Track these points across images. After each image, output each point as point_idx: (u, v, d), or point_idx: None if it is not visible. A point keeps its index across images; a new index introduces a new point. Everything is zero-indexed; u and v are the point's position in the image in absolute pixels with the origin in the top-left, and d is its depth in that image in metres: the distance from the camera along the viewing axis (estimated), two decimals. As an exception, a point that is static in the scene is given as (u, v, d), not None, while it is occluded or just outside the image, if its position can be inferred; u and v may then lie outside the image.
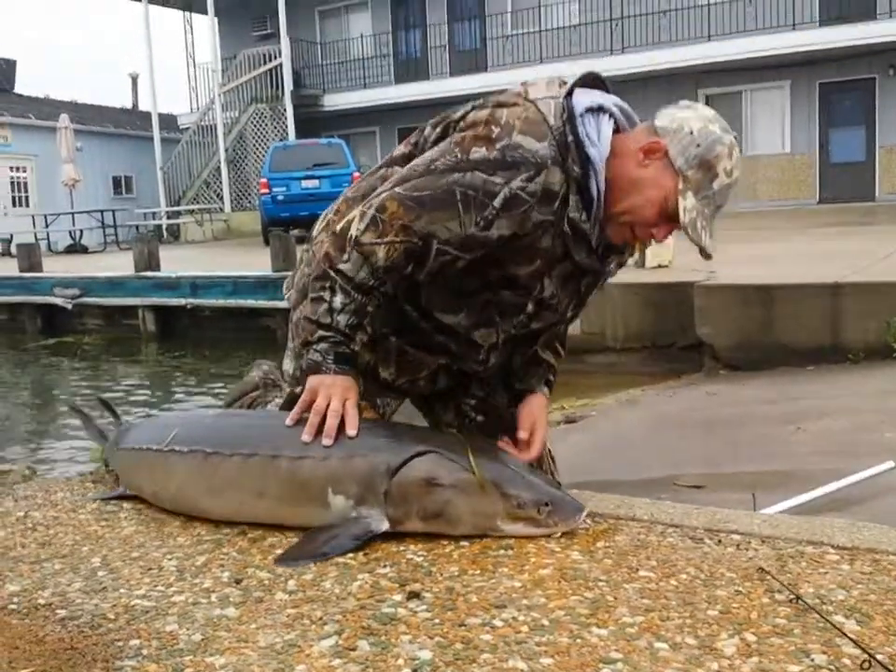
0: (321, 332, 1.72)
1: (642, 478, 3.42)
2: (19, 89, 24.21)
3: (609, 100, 1.73)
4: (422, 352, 1.89)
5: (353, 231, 1.69)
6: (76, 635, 1.31)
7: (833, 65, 15.95)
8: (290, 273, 2.09)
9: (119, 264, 11.35)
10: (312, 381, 1.73)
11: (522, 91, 1.73)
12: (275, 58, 19.74)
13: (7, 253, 16.62)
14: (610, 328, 6.45)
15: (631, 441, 4.33)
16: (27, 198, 21.15)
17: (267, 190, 14.66)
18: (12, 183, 20.88)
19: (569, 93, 1.69)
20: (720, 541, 1.62)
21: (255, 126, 20.18)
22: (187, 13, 22.15)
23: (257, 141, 20.08)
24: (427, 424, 2.13)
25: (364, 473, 1.65)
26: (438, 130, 1.79)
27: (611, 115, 1.71)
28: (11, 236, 16.84)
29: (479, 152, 1.63)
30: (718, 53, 16.29)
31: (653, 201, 1.67)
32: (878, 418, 3.88)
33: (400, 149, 1.88)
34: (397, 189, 1.68)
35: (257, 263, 9.92)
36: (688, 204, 1.65)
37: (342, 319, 1.71)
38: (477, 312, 1.81)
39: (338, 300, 1.70)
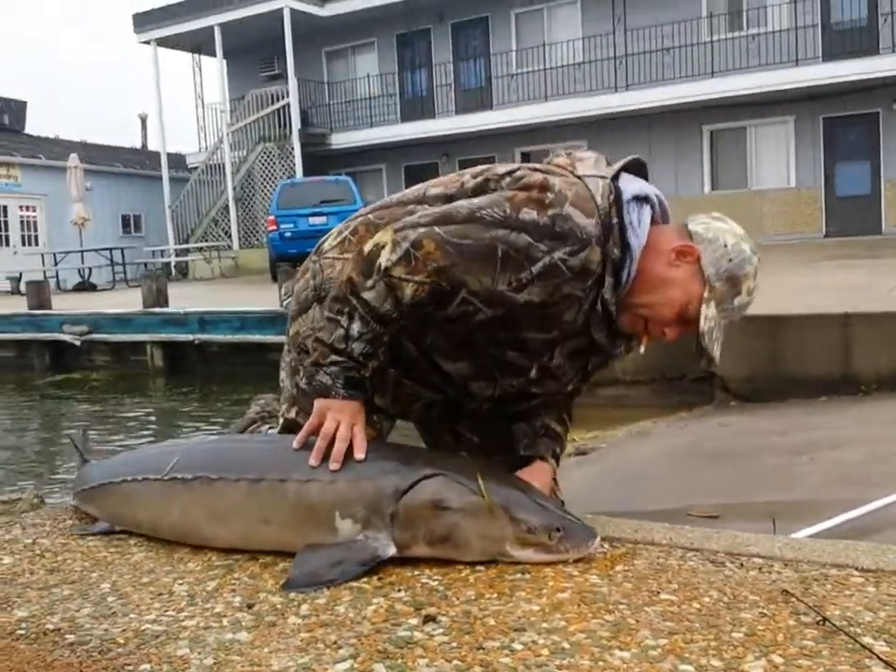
0: (334, 357, 1.69)
1: (655, 509, 3.37)
2: (29, 129, 24.50)
3: (651, 190, 1.76)
4: (419, 386, 1.88)
5: (383, 261, 1.64)
6: (84, 659, 1.28)
7: (836, 100, 16.04)
8: (291, 279, 2.04)
9: (128, 301, 11.39)
10: (320, 404, 1.71)
11: (568, 163, 1.74)
12: (283, 98, 19.94)
13: (17, 291, 16.70)
14: (619, 359, 6.41)
15: (643, 472, 4.29)
16: (36, 237, 21.30)
17: (275, 227, 14.72)
18: (22, 222, 21.04)
19: (615, 176, 1.71)
20: (741, 565, 1.59)
21: (263, 165, 20.34)
22: (195, 55, 22.42)
23: (265, 179, 20.22)
24: (425, 444, 2.11)
25: (371, 496, 1.62)
26: (478, 180, 1.78)
27: (652, 206, 1.74)
28: (20, 274, 16.94)
29: (530, 214, 1.61)
30: (722, 89, 16.39)
31: (675, 302, 1.69)
32: (891, 449, 3.84)
33: (434, 191, 1.84)
34: (436, 229, 1.64)
35: (264, 299, 9.94)
36: (709, 313, 1.68)
37: (356, 347, 1.68)
38: (478, 365, 1.81)
39: (355, 327, 1.67)
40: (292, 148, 19.65)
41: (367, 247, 1.69)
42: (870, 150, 16.26)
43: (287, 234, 14.43)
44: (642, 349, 1.84)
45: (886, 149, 16.04)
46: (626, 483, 4.05)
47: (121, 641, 1.34)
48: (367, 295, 1.66)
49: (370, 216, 1.90)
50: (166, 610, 1.45)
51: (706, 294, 1.68)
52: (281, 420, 1.96)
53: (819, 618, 1.31)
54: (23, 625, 1.42)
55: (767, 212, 16.79)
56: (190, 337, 9.69)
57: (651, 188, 1.76)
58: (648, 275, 1.69)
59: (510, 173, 1.74)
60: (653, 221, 1.74)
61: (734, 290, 1.69)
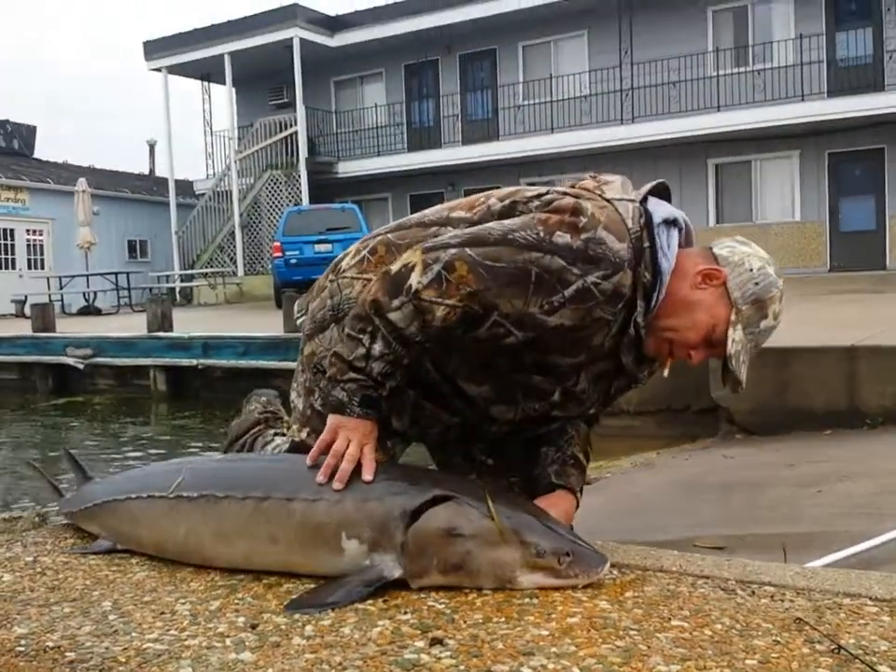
0: (352, 374, 1.67)
1: (660, 539, 3.34)
2: (38, 154, 24.66)
3: (679, 214, 1.75)
4: (439, 409, 1.85)
5: (413, 282, 1.61)
6: (85, 678, 1.25)
7: (841, 136, 16.12)
8: (304, 296, 2.00)
9: (132, 325, 11.40)
10: (333, 420, 1.69)
11: (595, 186, 1.73)
12: (291, 126, 20.09)
13: (21, 314, 16.74)
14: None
15: (648, 502, 4.25)
16: (42, 260, 21.37)
17: (280, 254, 14.76)
18: (28, 245, 21.11)
19: (643, 199, 1.71)
20: (753, 592, 1.56)
21: (269, 192, 20.44)
22: (205, 83, 22.63)
23: (271, 206, 20.32)
24: (436, 465, 2.08)
25: (379, 517, 1.60)
26: (505, 203, 1.76)
27: (679, 229, 1.73)
28: (26, 297, 16.97)
29: (563, 238, 1.59)
30: (727, 123, 16.49)
31: (701, 325, 1.69)
32: (900, 482, 3.80)
33: (458, 214, 1.82)
34: (468, 251, 1.61)
35: (269, 325, 9.95)
36: (736, 336, 1.67)
37: (376, 367, 1.65)
38: (502, 388, 1.79)
39: (377, 347, 1.65)
40: (299, 176, 19.76)
41: (394, 267, 1.66)
42: (875, 186, 16.32)
43: (293, 261, 14.47)
44: (666, 372, 1.83)
45: (891, 185, 16.10)
46: (631, 513, 4.01)
47: (122, 660, 1.31)
48: (392, 316, 1.63)
49: (389, 235, 1.88)
50: (168, 630, 1.43)
51: (732, 317, 1.68)
52: (290, 440, 1.93)
53: (833, 646, 1.29)
54: (23, 642, 1.39)
55: (772, 245, 16.78)
56: (194, 361, 9.68)
57: (677, 211, 1.76)
58: (673, 298, 1.69)
59: (538, 196, 1.72)
60: (679, 245, 1.73)
61: (760, 314, 1.69)
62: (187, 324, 10.90)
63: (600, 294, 1.61)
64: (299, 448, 1.86)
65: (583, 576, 1.58)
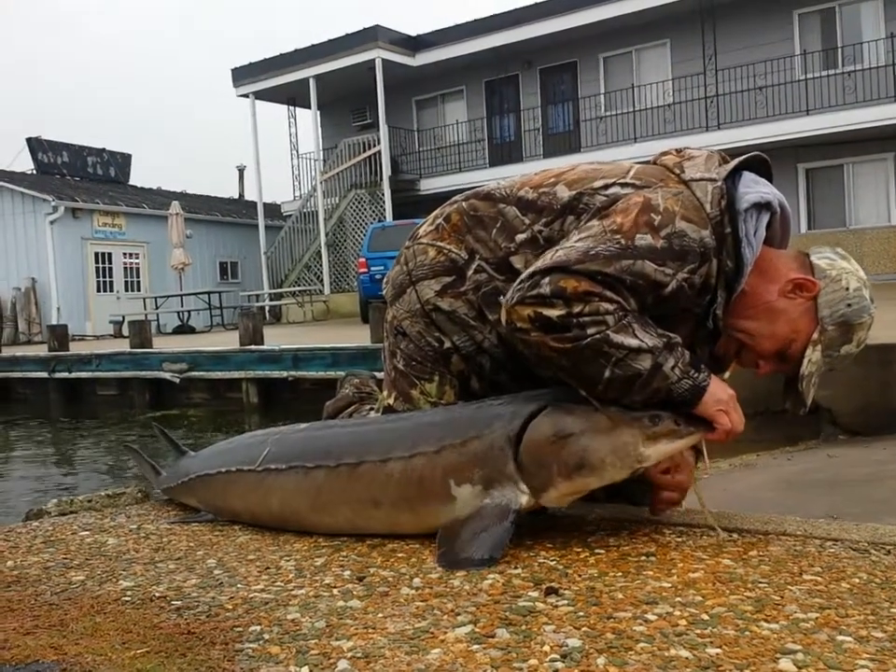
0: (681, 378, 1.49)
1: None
2: (133, 181, 25.50)
3: (773, 194, 1.62)
4: (513, 381, 1.76)
5: (555, 314, 1.45)
6: (192, 621, 1.22)
7: (940, 135, 15.51)
8: (389, 272, 1.93)
9: (225, 341, 11.62)
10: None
11: (675, 163, 1.63)
12: (374, 146, 20.32)
13: (119, 335, 17.26)
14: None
15: (752, 500, 4.08)
16: (139, 283, 22.01)
17: (365, 269, 14.91)
18: (125, 268, 21.77)
19: (730, 175, 1.59)
20: (888, 552, 1.46)
21: (354, 211, 20.69)
22: (291, 107, 23.09)
23: (356, 225, 20.55)
24: None
25: (484, 453, 1.53)
26: (572, 193, 1.65)
27: (773, 213, 1.61)
28: (123, 318, 17.50)
29: (644, 239, 1.49)
30: (817, 127, 16.00)
31: (779, 337, 1.58)
32: None
33: (522, 193, 1.73)
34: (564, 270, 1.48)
35: (356, 338, 10.01)
36: (814, 357, 1.57)
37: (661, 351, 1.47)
38: None
39: (631, 340, 1.46)
40: (382, 194, 19.94)
41: (534, 338, 1.49)
42: (976, 186, 15.61)
43: (378, 276, 14.57)
44: (727, 374, 1.71)
45: None
46: (734, 510, 3.86)
47: (229, 607, 1.28)
48: (615, 337, 1.45)
49: (463, 203, 1.82)
50: (274, 582, 1.40)
51: (815, 335, 1.56)
52: (382, 406, 1.88)
53: None
54: (129, 594, 1.38)
55: (867, 251, 16.22)
56: (284, 374, 9.80)
57: (771, 192, 1.62)
58: (755, 300, 1.58)
59: (605, 187, 1.62)
60: (770, 227, 1.62)
61: (844, 338, 1.58)
62: (276, 340, 11.06)
63: (690, 289, 1.51)
64: (389, 413, 1.82)
65: (703, 428, 1.50)
